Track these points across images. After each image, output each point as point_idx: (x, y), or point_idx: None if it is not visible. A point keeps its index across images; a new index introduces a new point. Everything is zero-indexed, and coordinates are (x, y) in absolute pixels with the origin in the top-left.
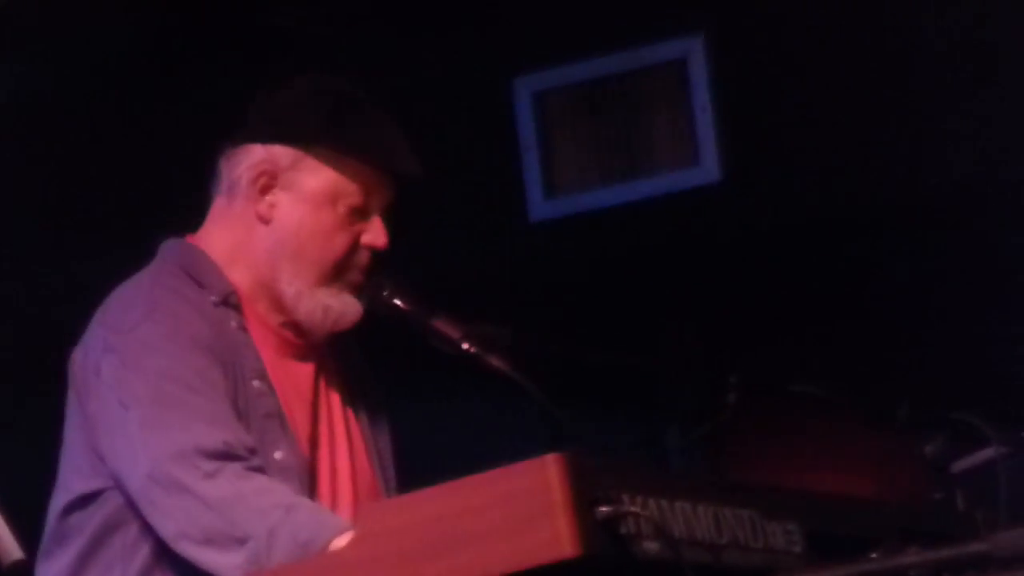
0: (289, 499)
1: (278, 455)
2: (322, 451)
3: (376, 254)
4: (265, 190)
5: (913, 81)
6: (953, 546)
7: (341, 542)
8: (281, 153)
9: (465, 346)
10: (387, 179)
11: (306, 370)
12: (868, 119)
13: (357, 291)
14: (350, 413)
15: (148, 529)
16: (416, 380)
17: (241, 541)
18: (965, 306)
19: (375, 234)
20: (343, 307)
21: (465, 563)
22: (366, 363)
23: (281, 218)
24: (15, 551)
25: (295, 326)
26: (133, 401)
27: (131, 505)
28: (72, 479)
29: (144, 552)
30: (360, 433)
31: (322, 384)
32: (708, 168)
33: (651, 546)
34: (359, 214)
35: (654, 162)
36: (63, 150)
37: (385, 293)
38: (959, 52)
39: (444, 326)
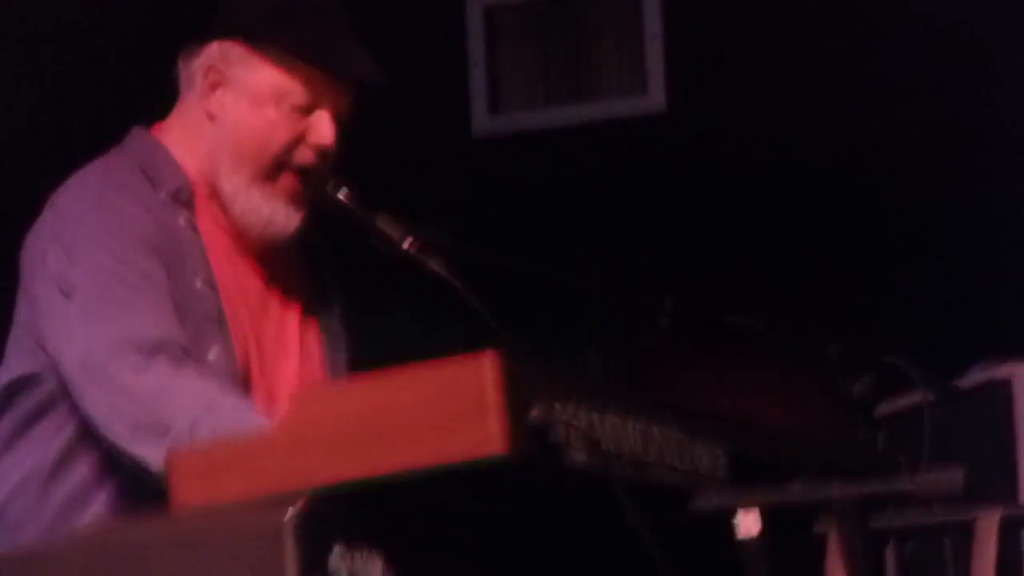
0: (214, 395)
1: (211, 356)
2: (264, 356)
3: (322, 154)
4: (214, 86)
5: (866, 15)
6: (879, 481)
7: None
8: (231, 50)
9: (406, 245)
10: (337, 82)
11: (259, 272)
12: (817, 54)
13: (299, 197)
14: (308, 321)
15: (75, 411)
16: (350, 284)
17: (163, 434)
18: (908, 252)
19: (321, 133)
20: (274, 211)
21: (392, 452)
22: (334, 275)
23: (225, 114)
24: None
25: None
26: (73, 291)
27: (64, 390)
28: (13, 360)
29: (69, 430)
30: (317, 342)
31: (277, 291)
32: (654, 97)
33: (579, 456)
34: (304, 112)
35: (601, 87)
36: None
37: (329, 187)
38: None
39: (386, 224)
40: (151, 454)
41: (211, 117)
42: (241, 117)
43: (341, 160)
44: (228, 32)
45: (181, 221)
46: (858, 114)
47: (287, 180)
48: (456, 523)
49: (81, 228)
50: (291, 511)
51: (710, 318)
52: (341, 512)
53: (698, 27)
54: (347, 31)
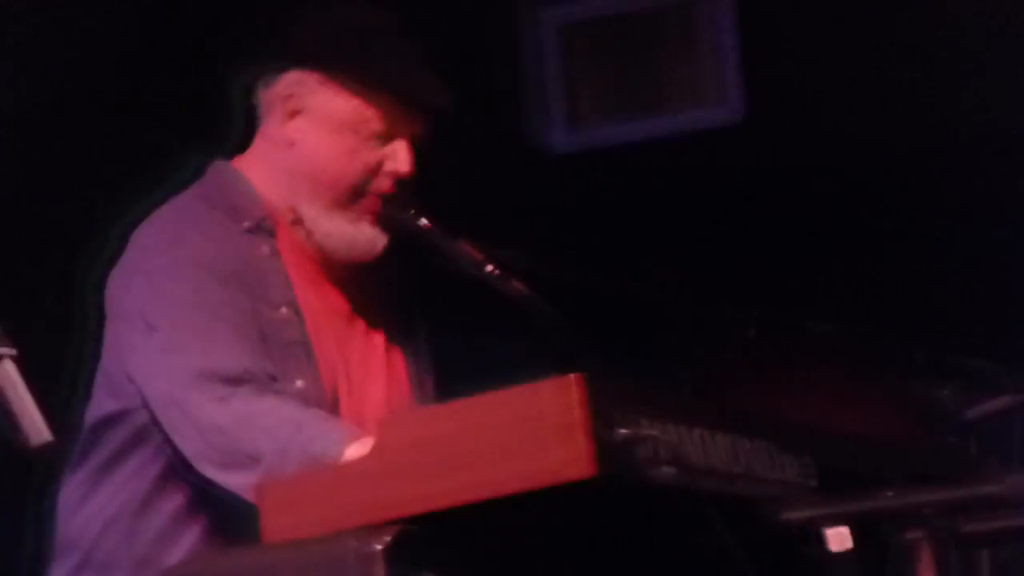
0: (299, 414)
1: (299, 383)
2: (352, 381)
3: (400, 182)
4: (293, 115)
5: (946, 21)
6: (967, 486)
7: (354, 451)
8: (308, 78)
9: (488, 268)
10: (412, 109)
11: (344, 300)
12: (896, 59)
13: (380, 220)
14: (394, 345)
15: (164, 445)
16: (432, 309)
17: (254, 460)
18: (988, 254)
19: (398, 160)
20: (359, 233)
21: (481, 479)
22: (418, 300)
23: (304, 141)
24: (44, 433)
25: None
26: (157, 324)
27: (151, 427)
28: (102, 396)
29: (159, 465)
30: (404, 366)
31: (362, 313)
32: (732, 106)
33: (668, 471)
34: (382, 141)
35: (678, 99)
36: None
37: (411, 213)
38: None
39: (467, 248)
40: (243, 483)
41: (290, 144)
42: (320, 144)
43: (419, 185)
44: (304, 60)
45: (265, 250)
46: (938, 119)
47: (369, 203)
48: (547, 545)
49: (164, 260)
50: (382, 542)
51: (794, 328)
52: (432, 541)
53: (773, 31)
54: (420, 58)
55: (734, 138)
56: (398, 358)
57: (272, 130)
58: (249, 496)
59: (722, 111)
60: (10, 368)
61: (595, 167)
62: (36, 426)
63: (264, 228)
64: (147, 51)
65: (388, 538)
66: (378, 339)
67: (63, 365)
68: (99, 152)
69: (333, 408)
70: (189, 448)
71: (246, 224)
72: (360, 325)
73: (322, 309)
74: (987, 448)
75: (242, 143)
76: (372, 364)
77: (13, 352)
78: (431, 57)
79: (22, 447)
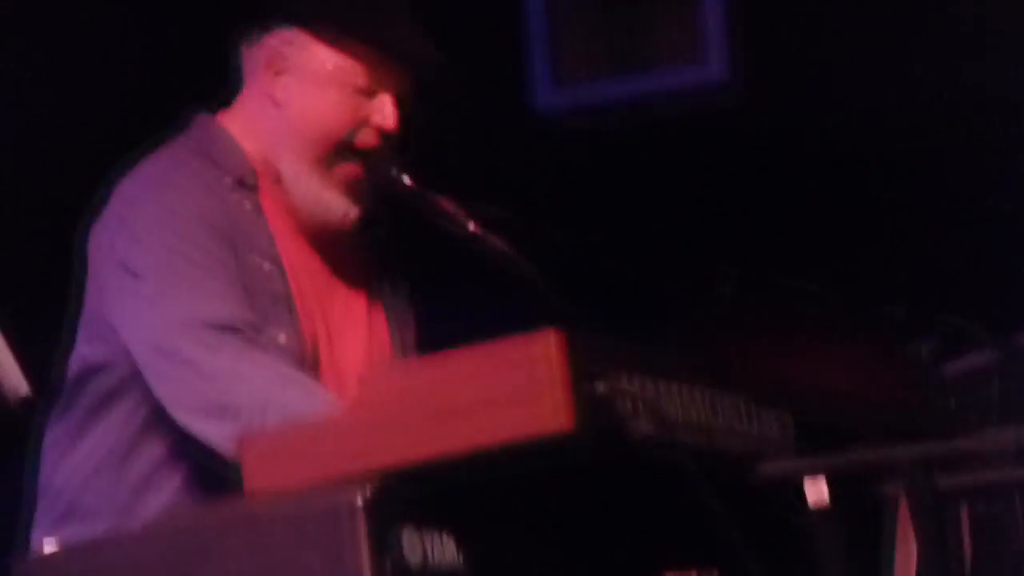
0: (284, 374)
1: (282, 338)
2: (332, 338)
3: (384, 137)
4: (278, 72)
5: None
6: (945, 441)
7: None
8: (292, 36)
9: (471, 226)
10: (398, 64)
11: (326, 255)
12: (885, 20)
13: (360, 186)
14: (375, 302)
15: (145, 399)
16: (415, 267)
17: (234, 414)
18: (967, 213)
19: (383, 114)
20: (332, 201)
21: (459, 431)
22: (399, 256)
23: (289, 99)
24: (22, 387)
25: None
26: (142, 272)
27: (135, 375)
28: (84, 346)
29: (139, 418)
30: (384, 323)
31: (344, 271)
32: (715, 66)
33: (646, 426)
34: (366, 95)
35: (662, 57)
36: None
37: (393, 170)
38: None
39: (451, 205)
40: (220, 435)
41: (275, 103)
42: (305, 101)
43: (403, 141)
44: (289, 18)
45: (247, 205)
46: (922, 80)
47: (348, 168)
48: (524, 499)
49: (147, 211)
50: (362, 494)
51: (772, 284)
52: (412, 493)
53: None
54: (406, 13)
55: (718, 96)
56: (379, 316)
57: (257, 87)
58: (222, 447)
59: (707, 69)
60: None
61: (580, 125)
62: (14, 381)
63: (247, 184)
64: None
65: (368, 489)
66: (359, 297)
67: (45, 317)
68: (92, 101)
69: (313, 363)
70: (169, 395)
71: (228, 180)
72: (341, 283)
73: (304, 266)
74: (965, 404)
75: (227, 98)
76: (353, 321)
77: None
78: (417, 12)
79: (2, 402)
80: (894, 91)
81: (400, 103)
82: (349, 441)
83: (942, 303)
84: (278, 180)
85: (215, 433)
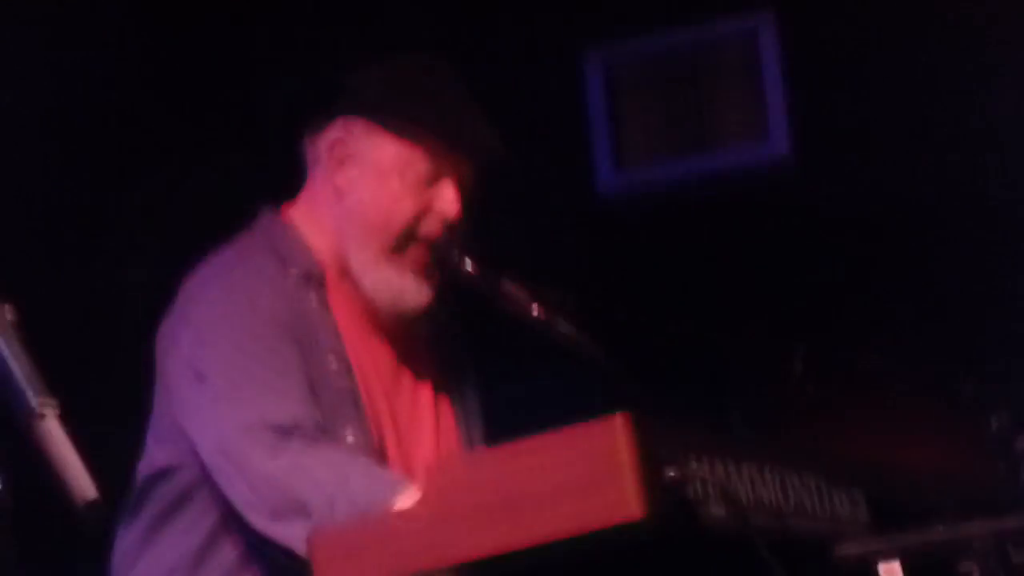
0: (347, 465)
1: (349, 437)
2: (400, 433)
3: (448, 226)
4: (341, 162)
5: (992, 64)
6: (1017, 516)
7: (402, 500)
8: (355, 125)
9: (535, 311)
10: (458, 152)
11: (391, 348)
12: (942, 97)
13: (428, 271)
14: (441, 395)
15: (217, 498)
16: (482, 352)
17: (303, 511)
18: None
19: (445, 202)
20: (405, 286)
21: (530, 524)
22: (466, 347)
23: (351, 189)
24: (90, 490)
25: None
26: (208, 374)
27: (205, 477)
28: (154, 448)
29: (211, 520)
30: (451, 416)
31: (410, 363)
32: (777, 142)
33: (718, 511)
34: (429, 184)
35: (723, 136)
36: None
37: (456, 257)
38: None
39: (514, 291)
40: (294, 535)
41: (338, 193)
42: (367, 191)
43: (467, 227)
44: (351, 108)
45: (313, 300)
46: (984, 161)
47: (416, 253)
48: None
49: (212, 311)
50: None
51: (842, 361)
52: None
53: (817, 67)
54: (467, 102)
55: (780, 175)
56: (446, 408)
57: (320, 179)
58: (298, 548)
59: (768, 148)
60: (53, 424)
61: (642, 207)
62: (81, 483)
63: (313, 278)
64: (210, 106)
65: None
66: (426, 389)
67: (114, 420)
68: (156, 209)
69: (381, 460)
70: (239, 498)
71: (294, 273)
72: (408, 375)
73: (370, 360)
74: None
75: (292, 193)
76: (420, 415)
77: (55, 405)
78: (478, 100)
79: (70, 505)
80: (961, 167)
81: (462, 188)
82: (419, 535)
83: (1013, 376)
84: (344, 274)
85: (288, 533)
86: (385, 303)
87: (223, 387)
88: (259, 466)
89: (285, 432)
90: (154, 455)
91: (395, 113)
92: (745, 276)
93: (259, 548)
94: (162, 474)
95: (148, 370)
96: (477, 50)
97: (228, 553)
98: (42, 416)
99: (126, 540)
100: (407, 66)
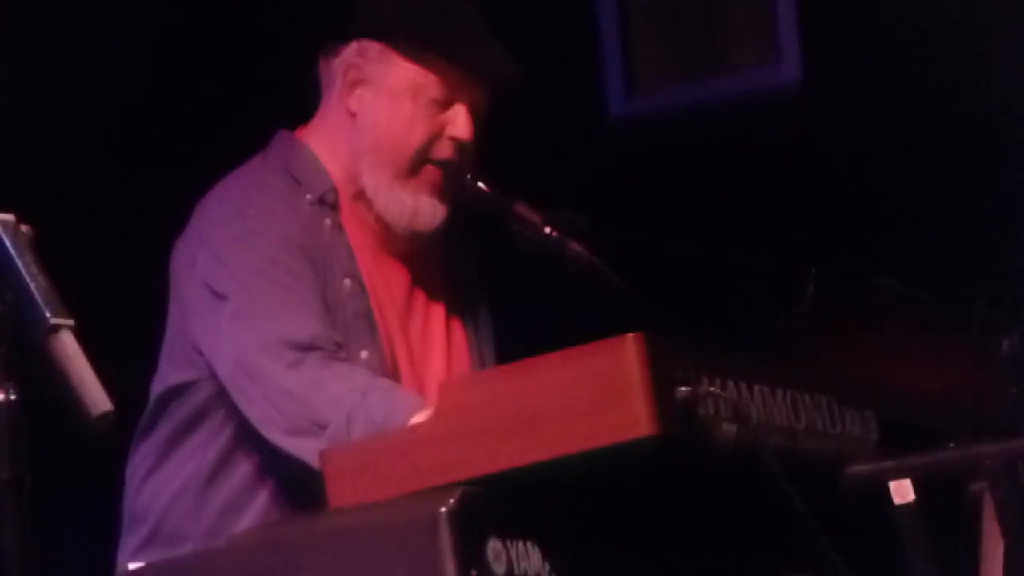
0: (366, 382)
1: (363, 355)
2: (413, 352)
3: (460, 147)
4: (354, 84)
5: None
6: None
7: (418, 419)
8: (369, 48)
9: (547, 230)
10: (473, 76)
11: (404, 270)
12: (957, 19)
13: (442, 191)
14: (454, 316)
15: (231, 416)
16: (494, 272)
17: (321, 426)
18: None
19: (458, 126)
20: (419, 205)
21: (542, 439)
22: (478, 269)
23: (365, 111)
24: (104, 403)
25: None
26: (225, 293)
27: (219, 395)
28: (168, 368)
29: (226, 436)
30: (464, 337)
31: (422, 285)
32: (790, 67)
33: (729, 428)
34: (441, 107)
35: (735, 60)
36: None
37: (468, 177)
38: None
39: (526, 210)
40: (310, 449)
41: (352, 115)
42: (380, 113)
43: (479, 149)
44: (365, 32)
45: (327, 222)
46: (1002, 76)
47: (429, 174)
48: (609, 505)
49: (229, 231)
50: (446, 505)
51: (853, 284)
52: (495, 503)
53: None
54: (480, 25)
55: (792, 99)
56: (458, 328)
57: (334, 101)
58: (315, 462)
59: (780, 71)
60: (68, 339)
61: (654, 131)
62: (96, 396)
63: (327, 201)
64: (218, 30)
65: (452, 500)
66: (438, 310)
67: (128, 336)
68: (177, 130)
69: (395, 379)
70: (256, 413)
71: (309, 197)
72: (420, 296)
73: (383, 282)
74: None
75: (306, 114)
76: (433, 335)
77: (71, 323)
78: (489, 22)
79: (83, 418)
80: (981, 81)
81: (475, 112)
82: (431, 452)
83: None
84: (358, 196)
85: (303, 447)
86: (400, 224)
87: (241, 305)
88: (277, 381)
89: (304, 348)
90: (168, 374)
91: (409, 37)
92: (756, 201)
93: (272, 464)
94: (177, 392)
95: (161, 289)
96: None
97: (242, 469)
98: (57, 330)
99: (139, 456)
100: None
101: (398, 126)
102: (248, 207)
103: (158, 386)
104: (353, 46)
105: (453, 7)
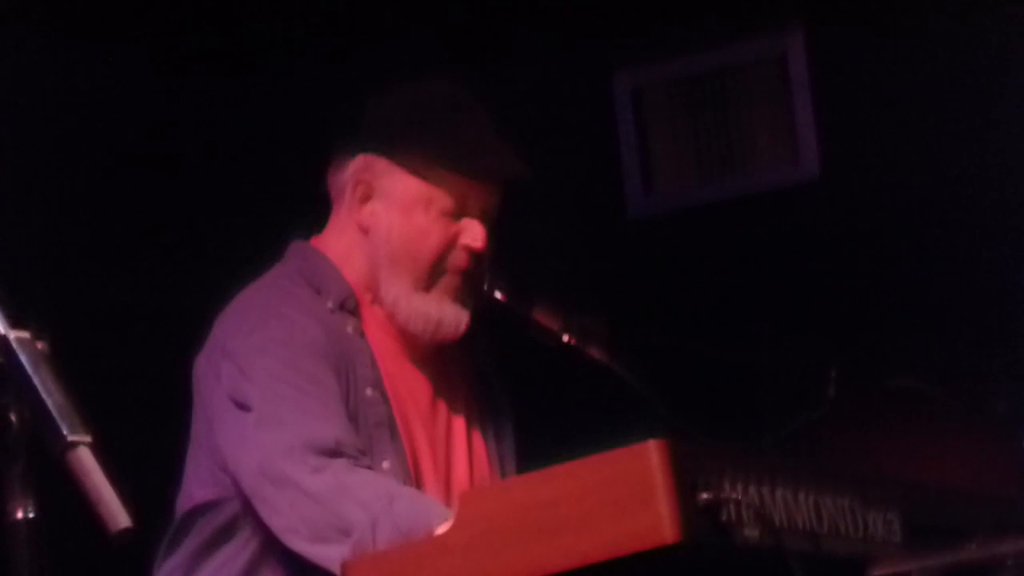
0: (392, 489)
1: (386, 464)
2: (436, 462)
3: (475, 256)
4: (364, 199)
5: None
6: None
7: (443, 528)
8: (376, 162)
9: (565, 337)
10: (484, 182)
11: (426, 379)
12: (970, 114)
13: (463, 297)
14: (475, 426)
15: (258, 530)
16: (514, 378)
17: (346, 533)
18: None
19: (471, 235)
20: (442, 313)
21: (564, 548)
22: (501, 378)
23: (378, 226)
24: (123, 519)
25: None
26: (248, 402)
27: (246, 511)
28: (193, 485)
29: (253, 549)
30: (484, 447)
31: (444, 394)
32: (807, 165)
33: (752, 533)
34: (453, 216)
35: (753, 159)
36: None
37: (485, 286)
38: None
39: (544, 318)
40: (333, 557)
41: (364, 229)
42: (393, 227)
43: (496, 254)
44: (370, 146)
45: (349, 329)
46: (1019, 171)
47: (447, 282)
48: None
49: (251, 341)
50: None
51: (877, 383)
52: None
53: (848, 88)
54: (487, 128)
55: (810, 196)
56: (479, 438)
57: (345, 214)
58: (337, 571)
59: (798, 170)
60: (85, 454)
61: (673, 230)
62: (114, 512)
63: (348, 307)
64: (230, 140)
65: None
66: (460, 418)
67: (149, 451)
68: (189, 242)
69: (418, 488)
70: (281, 522)
71: (330, 304)
72: (442, 403)
73: (406, 389)
74: None
75: (319, 222)
76: (455, 444)
77: (88, 439)
78: (500, 125)
79: (103, 533)
80: (995, 182)
81: (487, 216)
82: (452, 563)
83: None
84: (376, 301)
85: (328, 555)
86: (423, 332)
87: (265, 414)
88: (302, 487)
89: (328, 454)
90: (194, 492)
91: (416, 151)
92: (776, 298)
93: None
94: (204, 509)
95: (182, 402)
96: (506, 71)
97: None
98: (75, 447)
99: (165, 572)
100: (426, 96)
101: (412, 239)
102: (269, 317)
103: (184, 503)
104: (359, 160)
105: (458, 113)
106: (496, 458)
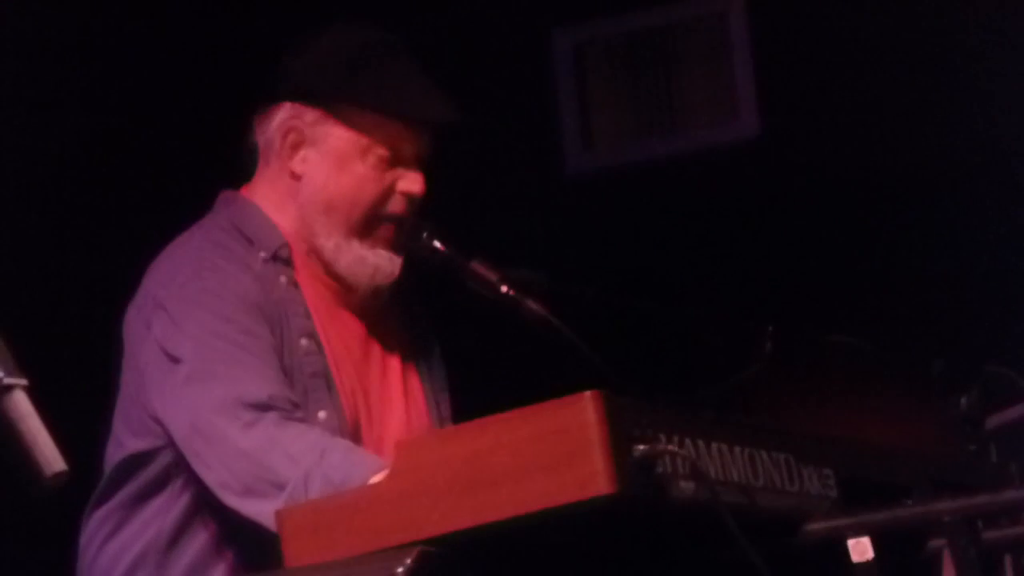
0: (324, 442)
1: (322, 415)
2: (371, 410)
3: (413, 201)
4: (295, 147)
5: (959, 37)
6: (988, 493)
7: (377, 479)
8: (306, 110)
9: (504, 288)
10: (417, 127)
11: (360, 325)
12: (910, 74)
13: (396, 244)
14: (410, 367)
15: (191, 481)
16: (448, 330)
17: (278, 487)
18: (1003, 264)
19: (409, 181)
20: (379, 260)
21: (500, 498)
22: (429, 319)
23: (311, 174)
24: (58, 462)
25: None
26: (180, 356)
27: (179, 462)
28: (125, 435)
29: (187, 500)
30: (420, 388)
31: (378, 340)
32: (747, 123)
33: (687, 486)
34: (391, 163)
35: (693, 117)
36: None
37: (424, 235)
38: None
39: (482, 268)
40: (267, 510)
41: (296, 177)
42: (329, 176)
43: (434, 205)
44: (299, 94)
45: (283, 279)
46: (955, 131)
47: (383, 230)
48: (568, 563)
49: (183, 292)
50: (403, 565)
51: (812, 341)
52: (452, 562)
53: (787, 46)
54: (416, 72)
55: (750, 155)
56: (414, 381)
57: (276, 162)
58: (269, 524)
59: (737, 128)
60: (21, 398)
61: (611, 188)
62: (49, 456)
63: (281, 257)
64: (154, 86)
65: (408, 561)
66: (394, 363)
67: (82, 398)
68: (116, 191)
69: (355, 437)
70: (212, 477)
71: (263, 254)
72: (376, 350)
73: (340, 338)
74: (1007, 455)
75: (247, 171)
76: (390, 390)
77: (24, 382)
78: (432, 70)
79: (35, 480)
80: (933, 137)
81: (424, 159)
82: (388, 512)
83: (983, 355)
84: (310, 252)
85: (260, 509)
86: (361, 280)
87: (196, 367)
88: (233, 442)
89: (260, 408)
90: (126, 441)
91: (346, 99)
92: (714, 257)
93: (234, 528)
94: (135, 460)
95: (114, 353)
96: (445, 28)
97: (203, 533)
98: (9, 390)
99: (96, 521)
100: (353, 40)
101: (349, 188)
102: (202, 268)
103: (115, 453)
104: (288, 108)
105: (387, 57)
106: (432, 401)
